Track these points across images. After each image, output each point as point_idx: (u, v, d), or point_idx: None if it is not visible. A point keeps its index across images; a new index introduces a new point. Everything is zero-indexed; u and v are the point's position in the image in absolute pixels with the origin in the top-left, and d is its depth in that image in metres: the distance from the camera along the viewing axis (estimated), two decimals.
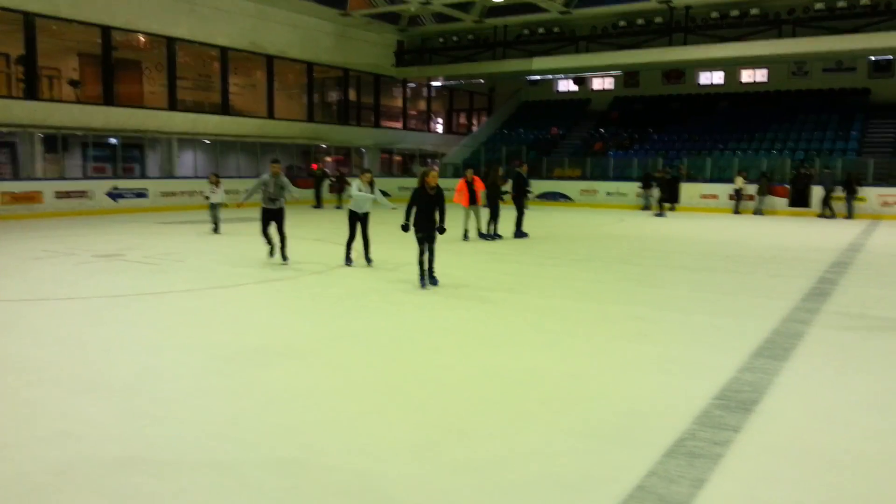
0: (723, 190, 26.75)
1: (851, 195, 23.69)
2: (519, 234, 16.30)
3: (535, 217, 22.81)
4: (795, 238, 17.31)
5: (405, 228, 9.50)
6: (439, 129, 41.27)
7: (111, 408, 4.98)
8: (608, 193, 29.20)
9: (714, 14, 28.62)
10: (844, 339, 7.19)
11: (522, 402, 5.20)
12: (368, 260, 11.53)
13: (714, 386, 5.51)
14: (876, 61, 30.33)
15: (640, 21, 30.46)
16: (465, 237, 15.56)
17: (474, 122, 42.26)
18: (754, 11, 28.00)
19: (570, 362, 6.26)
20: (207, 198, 17.28)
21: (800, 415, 5.01)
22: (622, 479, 3.89)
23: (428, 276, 9.70)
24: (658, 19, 29.81)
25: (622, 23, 31.03)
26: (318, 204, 26.34)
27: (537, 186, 30.41)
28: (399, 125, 37.70)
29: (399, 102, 38.09)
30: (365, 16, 31.47)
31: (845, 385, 5.68)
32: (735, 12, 28.26)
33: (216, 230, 16.91)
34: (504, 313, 8.32)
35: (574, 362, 6.26)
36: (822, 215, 24.05)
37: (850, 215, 23.61)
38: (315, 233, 17.33)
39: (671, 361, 6.30)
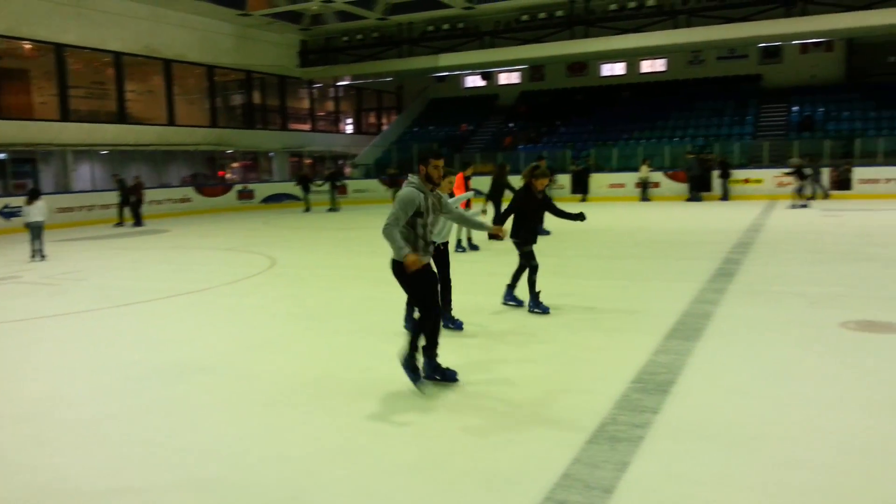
0: (629, 178, 27.55)
1: (725, 178, 24.96)
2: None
3: None
4: (699, 222, 17.99)
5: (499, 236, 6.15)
6: (349, 129, 40.90)
7: (16, 437, 4.69)
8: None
9: (613, 6, 29.42)
10: (750, 315, 7.49)
11: (442, 400, 5.16)
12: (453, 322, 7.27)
13: (632, 370, 5.62)
14: (766, 48, 31.88)
15: (542, 15, 30.99)
16: (459, 247, 13.37)
17: (384, 121, 42.09)
18: (651, 2, 28.94)
19: (491, 355, 6.27)
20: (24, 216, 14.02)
21: (713, 391, 5.17)
22: (548, 469, 3.91)
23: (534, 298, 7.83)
24: (559, 13, 30.42)
25: (525, 17, 31.50)
26: None
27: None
28: (307, 127, 37.14)
29: (306, 104, 37.53)
30: (265, 16, 30.82)
31: (754, 359, 5.90)
32: (633, 4, 29.12)
33: (36, 256, 13.72)
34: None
35: (496, 354, 6.28)
36: (690, 199, 25.24)
37: (725, 197, 24.90)
38: (228, 242, 16.86)
39: (590, 349, 6.40)
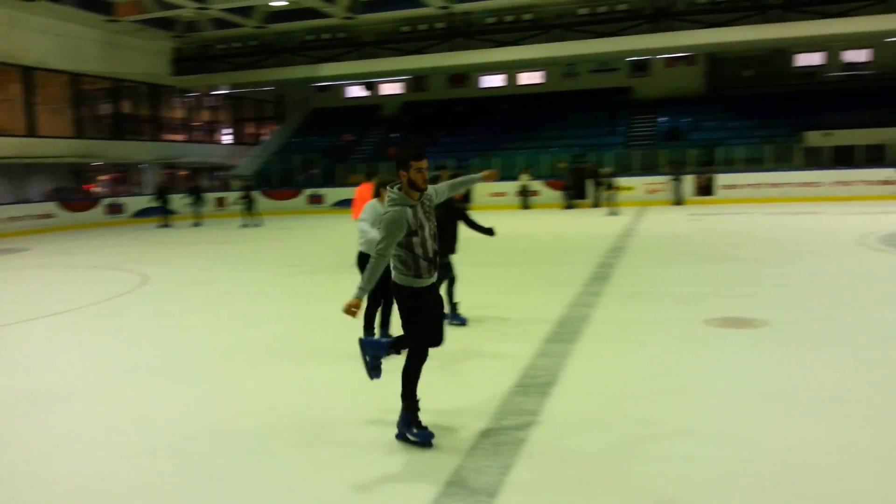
0: (510, 187, 28.19)
1: (599, 186, 25.91)
2: None
3: (333, 226, 22.65)
4: (576, 229, 18.64)
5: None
6: (227, 139, 39.70)
7: None
8: None
9: (491, 19, 30.13)
10: (624, 316, 7.80)
11: (327, 415, 5.06)
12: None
13: (514, 374, 5.72)
14: (635, 62, 33.53)
15: (422, 26, 31.31)
16: None
17: (264, 131, 41.15)
18: (527, 16, 29.85)
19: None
20: None
21: (591, 390, 5.33)
22: (433, 477, 3.89)
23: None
24: (440, 24, 30.82)
25: (406, 28, 31.72)
26: None
27: (333, 195, 30.34)
28: (182, 138, 35.71)
29: (181, 113, 36.11)
30: (135, 22, 29.42)
31: (628, 358, 6.14)
32: (510, 17, 29.94)
33: None
34: (307, 324, 8.11)
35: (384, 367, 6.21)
36: (567, 206, 26.19)
37: (596, 204, 25.82)
38: (95, 259, 15.92)
39: (475, 356, 6.46)
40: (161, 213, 24.61)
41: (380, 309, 6.73)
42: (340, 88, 38.79)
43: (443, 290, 7.54)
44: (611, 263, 11.68)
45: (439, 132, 33.97)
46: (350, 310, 4.24)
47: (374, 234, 5.51)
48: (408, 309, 4.43)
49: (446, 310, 7.58)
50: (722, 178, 26.36)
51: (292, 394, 5.58)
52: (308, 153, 33.97)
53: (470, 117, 34.53)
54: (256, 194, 25.05)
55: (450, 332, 7.36)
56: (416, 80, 37.05)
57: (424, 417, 4.74)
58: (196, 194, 25.10)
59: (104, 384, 6.04)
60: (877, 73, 30.97)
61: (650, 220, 19.91)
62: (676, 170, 25.86)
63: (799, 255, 11.93)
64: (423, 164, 4.35)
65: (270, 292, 10.48)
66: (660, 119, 31.55)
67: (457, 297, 7.83)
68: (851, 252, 12.01)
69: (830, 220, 17.59)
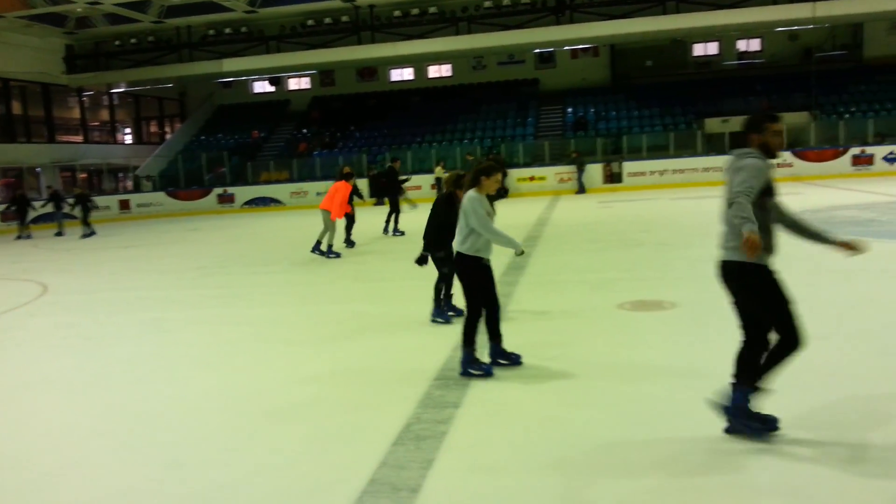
0: (425, 180, 28.22)
1: (504, 176, 26.44)
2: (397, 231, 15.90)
3: (245, 225, 22.15)
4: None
5: (425, 260, 7.30)
6: (128, 139, 38.12)
7: None
8: (318, 194, 29.22)
9: (397, 12, 30.01)
10: (541, 304, 7.92)
11: (244, 420, 4.92)
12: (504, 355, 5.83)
13: (434, 367, 5.71)
14: (540, 54, 34.09)
15: (327, 20, 30.88)
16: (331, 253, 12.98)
17: (167, 129, 39.73)
18: (433, 10, 29.87)
19: (298, 370, 6.08)
20: None
21: (509, 379, 5.39)
22: (355, 476, 3.84)
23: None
24: (345, 18, 30.48)
25: (310, 21, 31.22)
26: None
27: (244, 193, 29.63)
28: (79, 139, 34.08)
29: (77, 113, 34.43)
30: (21, 17, 27.80)
31: (540, 345, 6.23)
32: (416, 11, 29.89)
33: None
34: (219, 329, 7.88)
35: (303, 368, 6.10)
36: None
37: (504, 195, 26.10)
38: None
39: (395, 350, 6.43)
40: (59, 219, 23.11)
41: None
42: (246, 84, 37.83)
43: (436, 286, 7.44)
44: (526, 253, 11.84)
45: (350, 127, 33.65)
46: (751, 245, 3.54)
47: (495, 228, 5.42)
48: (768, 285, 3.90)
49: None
50: (629, 166, 27.20)
51: (203, 401, 5.40)
52: (215, 151, 33.02)
53: (381, 111, 34.33)
54: (92, 200, 22.52)
55: (369, 326, 7.33)
56: (325, 75, 36.53)
57: (343, 415, 4.69)
58: (80, 201, 21.55)
59: (7, 399, 5.69)
60: (767, 61, 32.58)
61: (561, 208, 20.32)
62: (577, 159, 26.60)
63: (703, 238, 12.41)
64: (781, 127, 4.00)
65: (180, 297, 10.13)
66: (568, 109, 32.22)
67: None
68: None
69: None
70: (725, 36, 32.46)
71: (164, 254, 15.70)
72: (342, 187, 13.12)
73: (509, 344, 5.73)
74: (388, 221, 16.07)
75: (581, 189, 26.23)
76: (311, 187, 29.34)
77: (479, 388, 5.19)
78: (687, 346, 5.98)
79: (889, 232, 11.77)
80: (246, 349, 6.86)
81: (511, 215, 18.97)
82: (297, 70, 34.55)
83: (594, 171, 26.96)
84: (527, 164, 28.16)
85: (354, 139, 32.92)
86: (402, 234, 15.72)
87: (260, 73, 34.36)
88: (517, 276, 9.64)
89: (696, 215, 16.07)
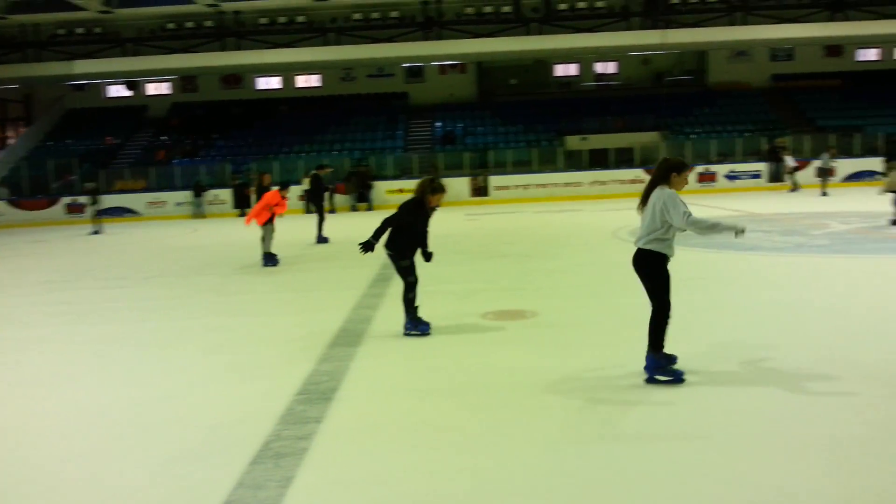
0: (293, 192, 27.65)
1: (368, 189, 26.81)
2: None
3: (99, 236, 20.88)
4: (358, 231, 18.67)
5: (371, 247, 6.85)
6: None
7: None
8: (178, 204, 28.00)
9: (263, 20, 29.40)
10: (397, 316, 7.93)
11: (87, 445, 4.60)
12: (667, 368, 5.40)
13: (296, 382, 5.58)
14: (409, 68, 34.40)
15: (190, 24, 29.75)
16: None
17: (10, 133, 36.74)
18: (301, 19, 29.49)
19: (147, 389, 5.75)
20: None
21: (373, 392, 5.35)
22: (209, 499, 3.68)
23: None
24: (208, 23, 29.49)
25: (171, 25, 29.97)
26: None
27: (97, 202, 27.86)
28: None
29: None
30: None
31: (407, 357, 6.25)
32: (283, 19, 29.40)
33: None
34: (64, 348, 7.34)
35: (153, 387, 5.78)
36: (330, 211, 26.37)
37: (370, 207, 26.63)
38: None
39: (253, 367, 6.22)
40: None
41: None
42: (100, 87, 35.60)
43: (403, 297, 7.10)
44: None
45: (214, 135, 32.48)
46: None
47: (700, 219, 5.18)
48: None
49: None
50: (495, 180, 27.92)
51: (40, 427, 5.00)
52: (64, 158, 30.84)
53: (247, 119, 33.37)
54: None
55: (227, 344, 7.06)
56: (186, 81, 35.01)
57: (198, 435, 4.50)
58: None
59: None
60: (623, 83, 34.53)
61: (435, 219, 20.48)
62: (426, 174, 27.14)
63: (562, 249, 12.96)
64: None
65: (21, 315, 9.36)
66: (437, 124, 32.68)
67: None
68: (606, 244, 13.26)
69: (590, 216, 19.28)
70: (584, 58, 34.11)
71: (4, 269, 14.49)
72: (271, 196, 12.46)
73: (379, 354, 5.68)
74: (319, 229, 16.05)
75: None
76: (170, 197, 28.05)
77: (344, 403, 5.11)
78: (547, 352, 6.17)
79: (727, 244, 12.73)
80: (88, 368, 6.42)
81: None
82: (157, 75, 32.92)
83: (461, 184, 27.47)
84: (396, 177, 28.25)
85: (218, 148, 31.79)
86: (327, 241, 15.80)
87: (115, 77, 32.46)
88: (384, 289, 9.63)
89: (557, 228, 16.73)
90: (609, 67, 34.92)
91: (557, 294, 8.88)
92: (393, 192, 26.98)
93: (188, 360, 6.52)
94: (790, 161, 25.64)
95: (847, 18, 29.90)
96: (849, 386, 4.99)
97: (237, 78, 34.76)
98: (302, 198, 27.18)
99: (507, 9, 29.67)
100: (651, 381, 5.18)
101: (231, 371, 6.08)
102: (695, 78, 34.59)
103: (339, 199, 27.59)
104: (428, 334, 6.95)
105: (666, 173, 5.26)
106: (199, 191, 27.00)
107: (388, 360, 6.17)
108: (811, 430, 4.27)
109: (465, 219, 20.44)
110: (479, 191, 27.93)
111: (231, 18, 29.15)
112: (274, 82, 35.24)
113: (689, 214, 5.03)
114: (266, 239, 12.46)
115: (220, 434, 4.63)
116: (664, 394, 5.00)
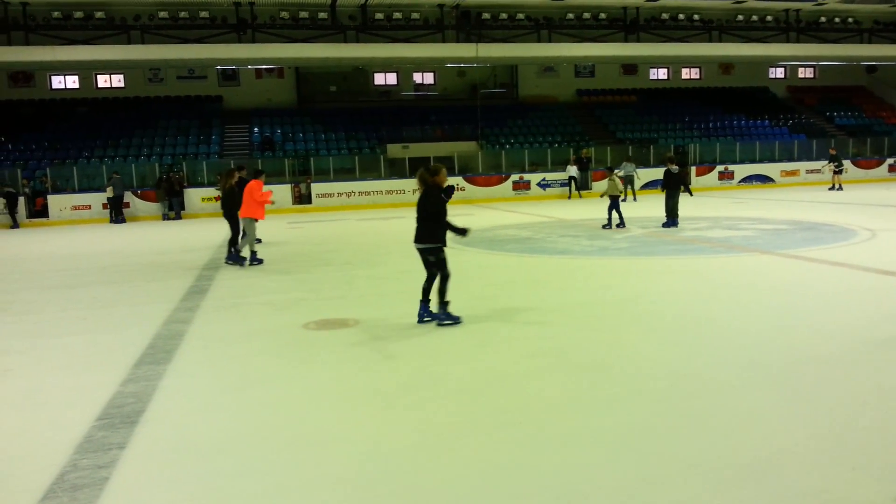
0: (95, 199, 25.68)
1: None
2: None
3: None
4: (174, 241, 17.68)
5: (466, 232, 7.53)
6: None
7: None
8: None
9: (56, 14, 26.98)
10: (222, 329, 7.56)
11: None
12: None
13: (95, 407, 5.10)
14: (223, 71, 33.08)
15: None
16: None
17: None
18: (100, 15, 27.38)
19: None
20: None
21: (184, 411, 5.01)
22: None
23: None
24: None
25: None
26: None
27: None
28: None
29: None
30: None
31: (223, 372, 5.94)
32: (79, 14, 27.14)
33: None
34: None
35: None
36: (113, 221, 25.21)
37: (178, 216, 25.74)
38: None
39: (44, 392, 5.61)
40: None
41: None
42: None
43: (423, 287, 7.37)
44: (209, 276, 11.29)
45: (1, 138, 29.30)
46: None
47: None
48: None
49: (434, 307, 7.32)
50: (317, 187, 27.54)
51: None
52: None
53: (39, 121, 30.43)
54: None
55: (15, 369, 6.31)
56: None
57: None
58: None
59: None
60: (440, 94, 35.40)
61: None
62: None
63: (386, 257, 12.97)
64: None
65: None
66: (254, 129, 31.67)
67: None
68: None
69: (413, 223, 19.43)
70: (403, 68, 34.61)
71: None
72: (256, 186, 11.81)
73: (191, 373, 5.32)
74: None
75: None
76: None
77: (151, 425, 4.73)
78: (368, 361, 6.11)
79: (541, 248, 13.40)
80: None
81: (193, 239, 18.03)
82: None
83: (283, 191, 26.82)
84: (212, 184, 27.00)
85: (6, 151, 28.72)
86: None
87: None
88: (198, 301, 9.11)
89: (381, 235, 16.76)
90: (427, 78, 35.69)
91: (381, 301, 8.86)
92: (208, 200, 25.83)
93: None
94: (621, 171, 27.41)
95: (639, 40, 32.69)
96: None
97: (28, 76, 31.66)
98: (105, 206, 25.32)
99: (323, 15, 29.41)
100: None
101: (18, 399, 5.44)
102: (507, 91, 36.23)
103: (150, 206, 26.00)
104: (460, 323, 7.20)
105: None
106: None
107: (199, 377, 5.81)
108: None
109: (287, 227, 19.95)
110: (302, 198, 27.43)
111: (17, 10, 26.47)
112: (70, 81, 32.45)
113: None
114: (249, 235, 12.01)
115: (6, 468, 4.11)
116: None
